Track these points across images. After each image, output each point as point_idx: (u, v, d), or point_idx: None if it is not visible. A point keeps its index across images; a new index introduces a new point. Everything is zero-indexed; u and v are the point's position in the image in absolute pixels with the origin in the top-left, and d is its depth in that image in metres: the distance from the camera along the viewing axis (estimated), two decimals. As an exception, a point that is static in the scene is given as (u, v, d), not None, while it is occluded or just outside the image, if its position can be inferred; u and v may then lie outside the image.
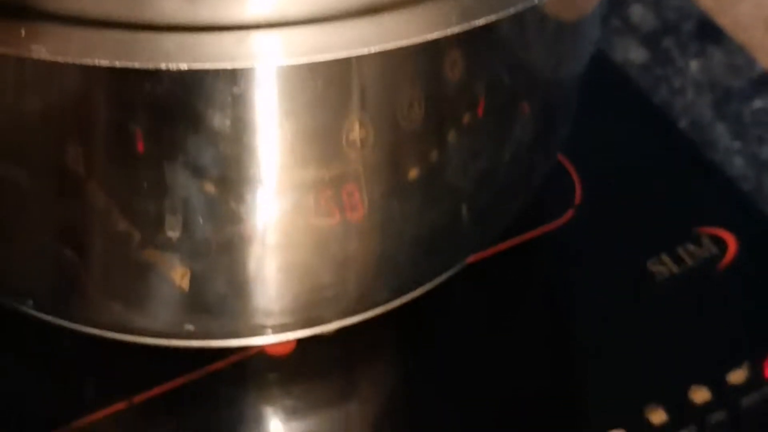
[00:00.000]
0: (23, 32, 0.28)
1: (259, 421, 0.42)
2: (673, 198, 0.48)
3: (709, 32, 0.58)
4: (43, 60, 0.29)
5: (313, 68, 0.34)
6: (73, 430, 0.40)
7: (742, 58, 0.57)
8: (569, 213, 0.47)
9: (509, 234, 0.46)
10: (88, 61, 0.28)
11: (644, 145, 0.50)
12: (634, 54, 0.58)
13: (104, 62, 0.28)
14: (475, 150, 0.39)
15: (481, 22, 0.29)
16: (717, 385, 0.42)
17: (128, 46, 0.28)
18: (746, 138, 0.54)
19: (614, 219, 0.47)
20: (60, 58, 0.28)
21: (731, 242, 0.46)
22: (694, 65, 0.57)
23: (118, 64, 0.28)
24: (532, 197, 0.44)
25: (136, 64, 0.28)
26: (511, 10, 0.29)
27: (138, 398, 0.41)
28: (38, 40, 0.28)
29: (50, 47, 0.28)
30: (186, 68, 0.29)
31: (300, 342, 0.43)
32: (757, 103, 0.56)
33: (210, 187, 0.36)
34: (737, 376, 0.43)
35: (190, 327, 0.40)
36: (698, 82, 0.56)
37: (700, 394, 0.42)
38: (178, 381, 0.42)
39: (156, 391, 0.41)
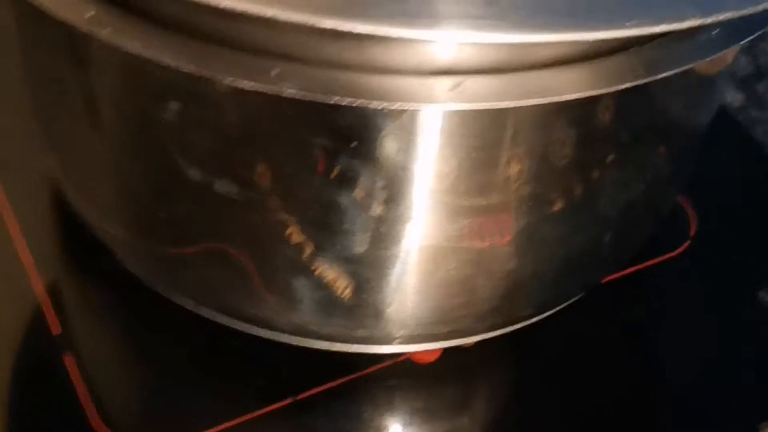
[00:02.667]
0: (274, 73, 0.32)
1: (403, 420, 0.47)
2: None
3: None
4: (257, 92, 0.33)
5: (479, 111, 0.38)
6: (244, 419, 0.45)
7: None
8: (685, 244, 0.52)
9: (631, 262, 0.50)
10: (328, 99, 0.32)
11: (752, 181, 0.54)
12: (731, 97, 0.63)
13: (341, 101, 0.32)
14: (614, 186, 0.44)
15: (664, 74, 0.33)
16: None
17: (358, 86, 0.33)
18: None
19: (726, 250, 0.52)
20: (307, 96, 0.32)
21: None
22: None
23: (352, 103, 0.33)
24: (656, 228, 0.49)
25: (372, 103, 0.33)
26: (689, 65, 0.34)
27: (301, 396, 0.45)
28: (286, 79, 0.32)
29: (297, 85, 0.32)
30: (400, 107, 0.34)
31: (444, 351, 0.47)
32: None
33: (377, 209, 0.41)
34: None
35: (349, 333, 0.45)
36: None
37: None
38: (337, 382, 0.46)
39: (317, 389, 0.46)
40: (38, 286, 0.48)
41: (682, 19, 0.29)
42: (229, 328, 0.45)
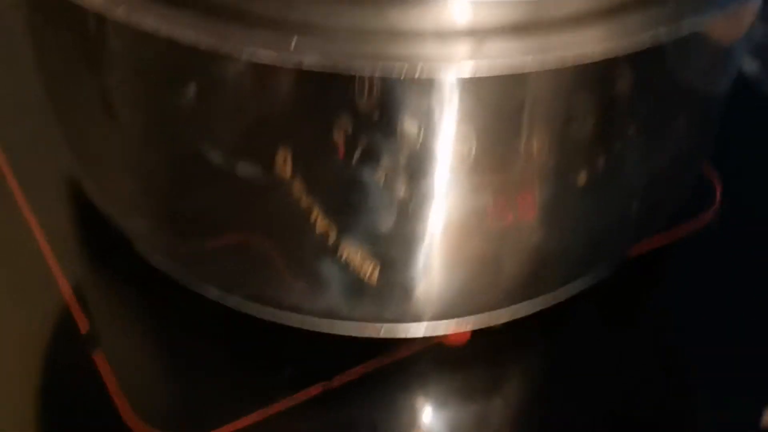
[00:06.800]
0: (293, 44, 0.32)
1: (437, 403, 0.46)
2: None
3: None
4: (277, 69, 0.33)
5: (498, 80, 0.37)
6: (276, 410, 0.44)
7: None
8: (709, 213, 0.51)
9: (657, 232, 0.50)
10: (348, 71, 0.32)
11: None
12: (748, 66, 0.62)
13: (363, 72, 0.32)
14: (636, 156, 0.43)
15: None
16: None
17: (378, 54, 0.32)
18: None
19: (752, 220, 0.51)
20: (326, 68, 0.32)
21: None
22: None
23: (376, 73, 0.32)
24: (681, 198, 0.48)
25: (393, 68, 0.32)
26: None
27: (335, 382, 0.45)
28: (305, 50, 0.32)
29: (317, 56, 0.32)
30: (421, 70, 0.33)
31: (474, 334, 0.47)
32: None
33: (400, 188, 0.40)
34: None
35: (377, 314, 0.44)
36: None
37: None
38: (368, 368, 0.46)
39: (350, 375, 0.45)
40: (64, 285, 0.48)
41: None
42: (255, 317, 0.45)
